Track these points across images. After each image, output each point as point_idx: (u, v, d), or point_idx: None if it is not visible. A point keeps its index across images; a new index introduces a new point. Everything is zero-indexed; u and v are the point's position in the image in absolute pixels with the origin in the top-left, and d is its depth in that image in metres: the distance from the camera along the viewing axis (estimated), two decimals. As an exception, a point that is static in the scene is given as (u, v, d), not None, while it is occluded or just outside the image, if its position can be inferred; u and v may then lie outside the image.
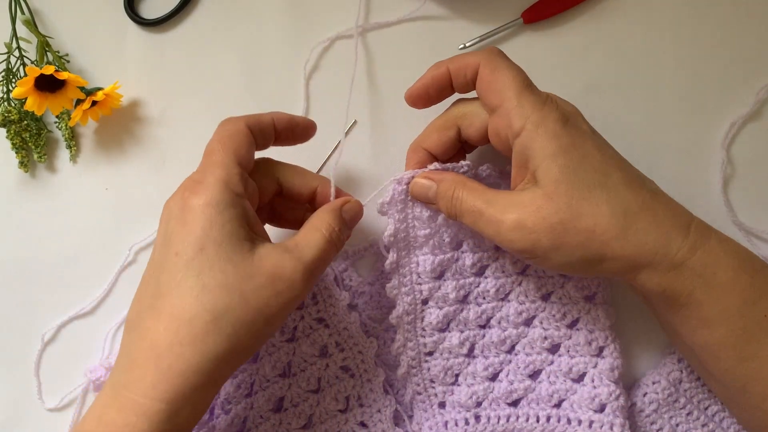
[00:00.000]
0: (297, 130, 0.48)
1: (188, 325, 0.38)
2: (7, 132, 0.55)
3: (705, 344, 0.41)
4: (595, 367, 0.48)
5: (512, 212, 0.41)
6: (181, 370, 0.38)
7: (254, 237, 0.41)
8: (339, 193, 0.48)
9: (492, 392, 0.49)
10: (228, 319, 0.38)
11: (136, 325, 0.40)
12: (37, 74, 0.51)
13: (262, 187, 0.45)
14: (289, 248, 0.42)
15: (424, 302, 0.49)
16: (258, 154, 0.46)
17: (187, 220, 0.40)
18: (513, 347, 0.49)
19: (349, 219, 0.46)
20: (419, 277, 0.48)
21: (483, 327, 0.49)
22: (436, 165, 0.46)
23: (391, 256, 0.48)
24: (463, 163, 0.47)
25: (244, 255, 0.40)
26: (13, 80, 0.55)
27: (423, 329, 0.49)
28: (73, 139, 0.57)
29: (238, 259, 0.39)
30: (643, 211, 0.40)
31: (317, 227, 0.43)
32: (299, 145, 0.53)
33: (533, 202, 0.40)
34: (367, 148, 0.55)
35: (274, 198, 0.48)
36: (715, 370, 0.42)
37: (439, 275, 0.48)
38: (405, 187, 0.47)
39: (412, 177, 0.47)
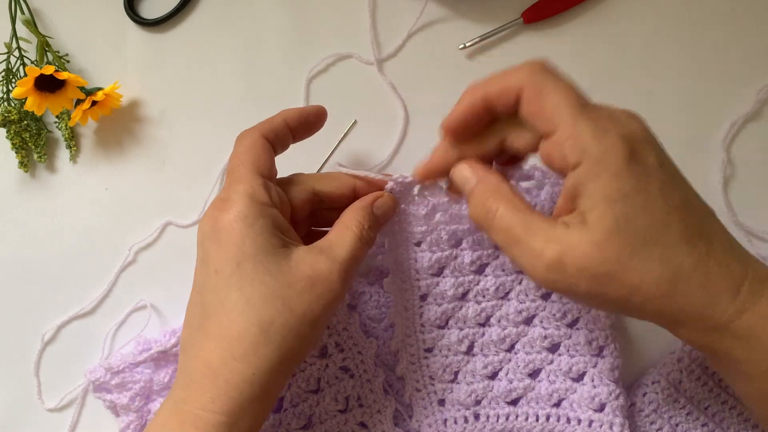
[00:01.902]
0: (310, 120, 0.47)
1: (238, 341, 0.39)
2: (7, 132, 0.55)
3: (743, 394, 0.40)
4: (594, 366, 0.48)
5: (554, 248, 0.36)
6: (236, 383, 0.38)
7: (288, 243, 0.42)
8: (377, 185, 0.46)
9: (491, 391, 0.49)
10: (275, 329, 0.39)
11: (189, 346, 0.41)
12: (37, 74, 0.51)
13: (298, 198, 0.45)
14: (323, 249, 0.42)
15: (423, 298, 0.49)
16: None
17: (220, 238, 0.40)
18: (513, 346, 0.49)
19: (380, 214, 0.45)
20: (417, 273, 0.48)
21: (482, 325, 0.49)
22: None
23: (389, 252, 0.48)
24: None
25: (281, 263, 0.40)
26: (13, 80, 0.55)
27: (422, 326, 0.49)
28: (73, 139, 0.57)
29: (275, 268, 0.40)
30: (695, 271, 0.36)
31: (348, 225, 0.43)
32: (295, 149, 0.54)
33: (580, 246, 0.36)
34: (366, 147, 0.55)
35: (318, 208, 0.47)
36: (754, 414, 0.41)
37: (438, 272, 0.48)
38: (399, 186, 0.46)
39: (407, 181, 0.46)
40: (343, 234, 0.43)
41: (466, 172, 0.42)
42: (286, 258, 0.40)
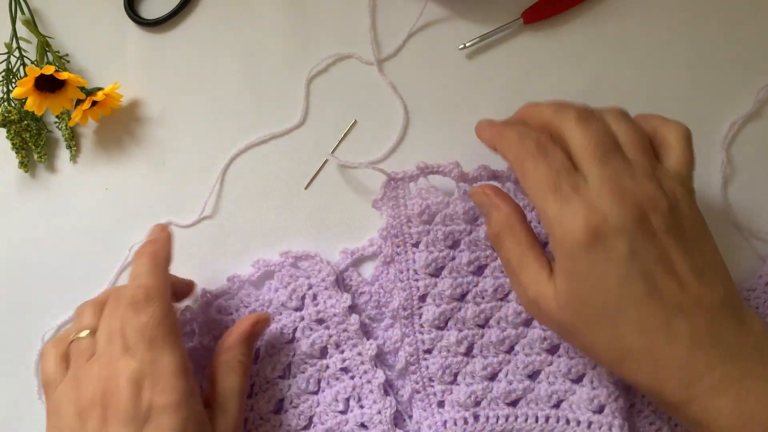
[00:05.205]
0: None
1: None
2: (7, 132, 0.55)
3: None
4: (594, 368, 0.48)
5: (534, 290, 0.41)
6: None
7: None
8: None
9: (491, 392, 0.49)
10: None
11: None
12: (37, 74, 0.51)
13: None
14: (215, 413, 0.44)
15: (422, 299, 0.49)
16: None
17: None
18: (512, 347, 0.49)
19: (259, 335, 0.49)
20: (416, 273, 0.49)
21: (482, 326, 0.49)
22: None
23: (386, 250, 0.49)
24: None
25: None
26: (13, 80, 0.55)
27: (421, 326, 0.49)
28: (73, 139, 0.57)
29: None
30: (644, 356, 0.38)
31: (232, 367, 0.46)
32: (295, 149, 0.54)
33: (549, 300, 0.40)
34: (366, 147, 0.55)
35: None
36: None
37: (436, 272, 0.49)
38: (397, 183, 0.48)
39: (405, 176, 0.48)
40: (228, 381, 0.46)
41: (484, 199, 0.45)
42: None
